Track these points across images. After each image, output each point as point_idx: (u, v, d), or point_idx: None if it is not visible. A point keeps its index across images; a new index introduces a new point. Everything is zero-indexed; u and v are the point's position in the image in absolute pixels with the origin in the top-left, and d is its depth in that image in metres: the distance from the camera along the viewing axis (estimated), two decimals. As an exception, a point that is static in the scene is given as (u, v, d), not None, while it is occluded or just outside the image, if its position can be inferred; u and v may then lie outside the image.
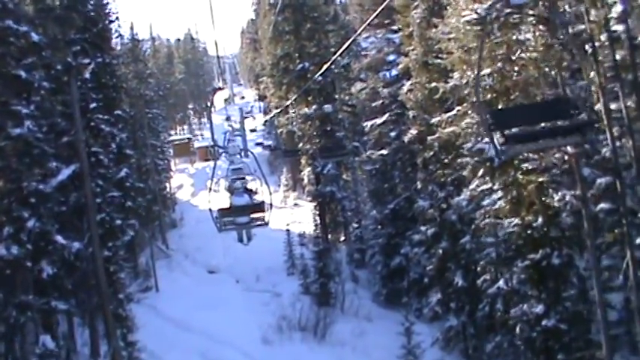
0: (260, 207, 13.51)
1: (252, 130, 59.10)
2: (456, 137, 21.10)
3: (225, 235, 38.80)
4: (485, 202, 19.47)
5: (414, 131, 24.03)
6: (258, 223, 13.59)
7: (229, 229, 13.86)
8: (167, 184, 52.25)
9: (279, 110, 33.18)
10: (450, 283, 23.08)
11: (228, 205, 13.93)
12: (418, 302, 27.64)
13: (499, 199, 15.46)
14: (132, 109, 40.73)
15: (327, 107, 33.13)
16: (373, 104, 29.44)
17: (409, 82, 24.35)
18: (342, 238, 37.87)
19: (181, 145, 73.33)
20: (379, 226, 30.81)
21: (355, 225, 35.29)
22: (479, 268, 20.41)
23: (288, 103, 30.54)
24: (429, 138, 21.78)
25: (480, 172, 15.13)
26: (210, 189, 15.54)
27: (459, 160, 22.87)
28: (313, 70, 32.79)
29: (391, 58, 28.25)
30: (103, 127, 22.44)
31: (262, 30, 48.24)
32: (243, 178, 15.35)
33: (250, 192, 15.30)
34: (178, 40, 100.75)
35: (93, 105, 21.87)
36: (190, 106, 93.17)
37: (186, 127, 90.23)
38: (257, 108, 70.22)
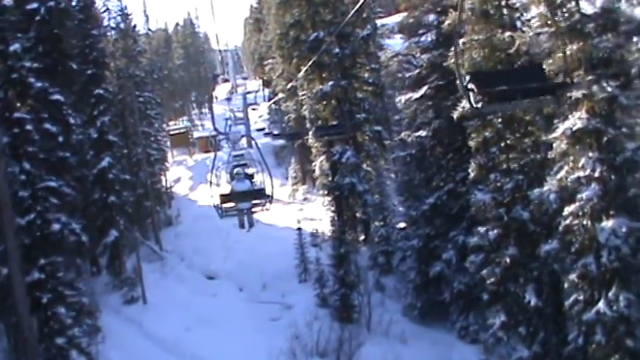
0: (261, 192, 13.54)
1: (260, 130, 53.71)
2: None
3: (226, 235, 34.39)
4: (583, 195, 14.35)
5: (467, 104, 18.63)
6: (259, 208, 13.85)
7: (231, 215, 13.90)
8: (162, 177, 47.06)
9: (290, 85, 27.87)
10: (516, 300, 17.80)
11: (229, 191, 13.80)
12: (464, 319, 22.50)
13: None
14: (120, 91, 35.97)
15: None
16: (407, 75, 23.99)
17: (461, 41, 19.04)
18: (362, 238, 32.46)
19: (179, 135, 67.80)
20: (412, 225, 25.39)
21: (379, 223, 29.74)
22: (566, 284, 15.28)
23: (301, 74, 25.29)
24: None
25: None
26: (211, 182, 14.94)
27: (527, 140, 17.75)
28: (328, 40, 27.65)
29: (431, 17, 22.83)
30: (32, 80, 15.63)
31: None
32: (245, 164, 15.15)
33: (252, 178, 15.13)
34: (177, 24, 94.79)
35: (15, 46, 15.09)
36: (193, 99, 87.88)
37: (186, 117, 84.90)
38: (261, 97, 65.10)
